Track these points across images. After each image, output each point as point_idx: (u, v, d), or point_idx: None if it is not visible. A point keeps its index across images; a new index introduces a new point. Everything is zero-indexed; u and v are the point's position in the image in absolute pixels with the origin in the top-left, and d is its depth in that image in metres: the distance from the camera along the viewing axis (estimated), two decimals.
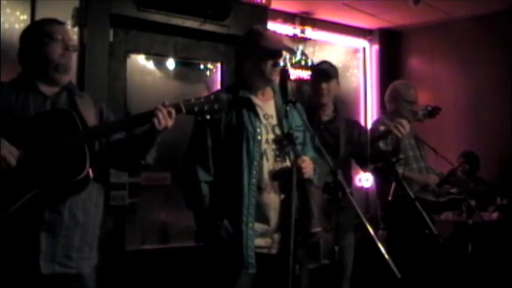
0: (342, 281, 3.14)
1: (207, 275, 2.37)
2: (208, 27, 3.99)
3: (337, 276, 3.05)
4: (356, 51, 5.62)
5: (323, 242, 2.42)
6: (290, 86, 2.41)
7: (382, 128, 3.53)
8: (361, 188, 5.06)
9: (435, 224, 2.92)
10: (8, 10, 3.37)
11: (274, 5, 4.46)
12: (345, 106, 4.62)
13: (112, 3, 3.59)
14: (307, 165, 2.38)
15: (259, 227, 2.33)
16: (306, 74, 4.87)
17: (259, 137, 2.36)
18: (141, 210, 3.84)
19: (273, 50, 2.42)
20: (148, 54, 4.04)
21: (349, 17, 5.14)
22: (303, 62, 4.88)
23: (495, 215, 4.38)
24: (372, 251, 2.04)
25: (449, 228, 4.07)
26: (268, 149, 2.39)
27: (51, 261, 2.04)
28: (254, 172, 2.32)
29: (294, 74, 4.79)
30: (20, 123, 2.04)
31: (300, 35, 4.97)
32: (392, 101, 3.72)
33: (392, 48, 5.67)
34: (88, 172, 2.03)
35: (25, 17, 3.42)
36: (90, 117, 2.16)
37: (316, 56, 5.10)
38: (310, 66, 4.78)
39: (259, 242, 2.33)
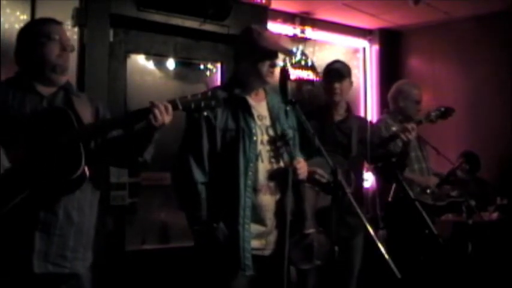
0: (349, 281, 3.15)
1: (203, 276, 2.35)
2: (208, 27, 3.99)
3: (344, 276, 3.08)
4: (356, 51, 5.62)
5: (316, 243, 2.42)
6: (290, 86, 2.40)
7: (383, 127, 3.54)
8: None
9: (435, 224, 2.93)
10: (8, 10, 3.37)
11: (274, 5, 4.46)
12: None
13: (112, 3, 3.59)
14: (302, 166, 2.38)
15: (254, 228, 2.32)
16: (306, 74, 4.88)
17: (254, 138, 2.34)
18: (141, 210, 3.84)
19: (271, 51, 2.40)
20: (148, 54, 4.03)
21: (349, 17, 5.14)
22: (303, 62, 4.87)
23: (495, 215, 4.37)
24: (372, 251, 2.04)
25: (449, 228, 4.06)
26: (263, 150, 2.37)
27: (44, 260, 2.04)
28: (250, 173, 2.30)
29: (294, 74, 4.79)
30: (16, 122, 2.04)
31: (300, 35, 4.97)
32: (396, 100, 3.71)
33: (392, 48, 5.67)
34: (84, 170, 2.02)
35: (25, 17, 3.42)
36: (87, 116, 2.15)
37: (316, 56, 5.11)
38: (323, 67, 4.76)
39: (254, 243, 2.32)
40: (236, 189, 2.28)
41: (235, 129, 2.34)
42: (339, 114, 3.25)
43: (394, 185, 3.41)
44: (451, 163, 3.88)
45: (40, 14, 3.36)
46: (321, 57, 5.17)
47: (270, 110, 2.47)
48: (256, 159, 2.34)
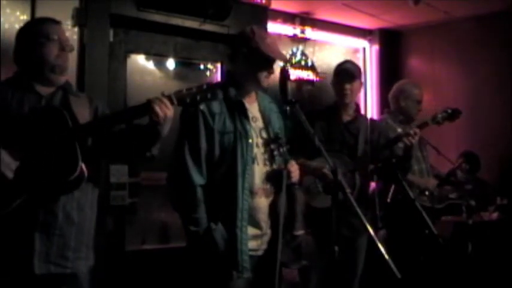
0: (352, 281, 3.15)
1: (200, 278, 2.34)
2: (208, 27, 3.99)
3: (347, 276, 3.08)
4: (356, 51, 5.62)
5: (304, 244, 2.43)
6: (290, 86, 2.39)
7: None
8: None
9: (435, 224, 2.92)
10: (8, 10, 3.37)
11: (274, 5, 4.46)
12: None
13: (112, 3, 3.59)
14: (295, 169, 2.39)
15: (251, 230, 2.32)
16: (306, 74, 4.88)
17: (250, 141, 2.34)
18: (141, 210, 3.84)
19: (271, 59, 2.38)
20: (148, 54, 4.03)
21: (349, 17, 5.14)
22: (303, 62, 4.88)
23: (495, 215, 4.37)
24: (372, 251, 2.04)
25: (449, 228, 4.06)
26: (258, 152, 2.37)
27: (45, 261, 2.04)
28: (247, 176, 2.29)
29: (294, 74, 4.80)
30: (14, 122, 2.03)
31: (299, 35, 4.97)
32: (397, 100, 3.71)
33: (392, 48, 5.67)
34: (82, 169, 2.01)
35: (25, 17, 3.42)
36: (84, 116, 2.14)
37: (316, 56, 5.11)
38: (323, 67, 4.77)
39: (250, 245, 2.31)
40: (234, 191, 2.27)
41: (233, 131, 2.32)
42: (348, 115, 3.24)
43: (393, 186, 3.41)
44: (451, 163, 3.88)
45: (40, 14, 3.36)
46: (321, 58, 5.18)
47: (262, 111, 2.46)
48: (253, 162, 2.33)
